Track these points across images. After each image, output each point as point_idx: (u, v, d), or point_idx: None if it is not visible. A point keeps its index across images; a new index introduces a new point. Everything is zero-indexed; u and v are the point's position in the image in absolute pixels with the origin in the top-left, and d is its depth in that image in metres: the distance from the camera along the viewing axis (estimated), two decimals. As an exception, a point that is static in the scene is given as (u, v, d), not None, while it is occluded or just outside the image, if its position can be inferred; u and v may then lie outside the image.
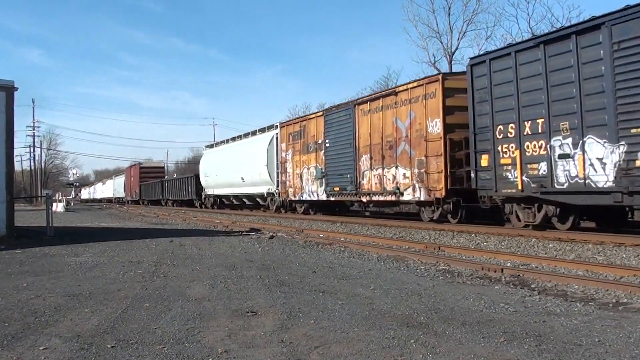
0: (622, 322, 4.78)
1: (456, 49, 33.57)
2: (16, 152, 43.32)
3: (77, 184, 79.16)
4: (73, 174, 72.84)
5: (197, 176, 37.79)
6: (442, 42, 33.89)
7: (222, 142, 35.78)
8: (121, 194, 68.61)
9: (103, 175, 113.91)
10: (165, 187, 48.39)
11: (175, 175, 67.31)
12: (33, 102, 71.53)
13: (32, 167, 75.13)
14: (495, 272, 7.60)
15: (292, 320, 4.93)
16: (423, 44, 34.66)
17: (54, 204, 30.60)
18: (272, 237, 13.56)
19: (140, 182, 56.91)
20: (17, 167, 72.04)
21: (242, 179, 28.29)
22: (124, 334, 4.57)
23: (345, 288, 6.49)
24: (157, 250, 10.82)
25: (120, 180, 70.45)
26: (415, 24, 35.83)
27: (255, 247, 11.19)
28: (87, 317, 5.20)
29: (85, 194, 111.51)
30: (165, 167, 73.18)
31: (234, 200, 31.66)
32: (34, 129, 72.52)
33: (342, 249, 10.94)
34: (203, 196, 36.29)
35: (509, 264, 8.31)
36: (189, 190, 39.92)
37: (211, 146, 37.84)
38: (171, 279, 7.34)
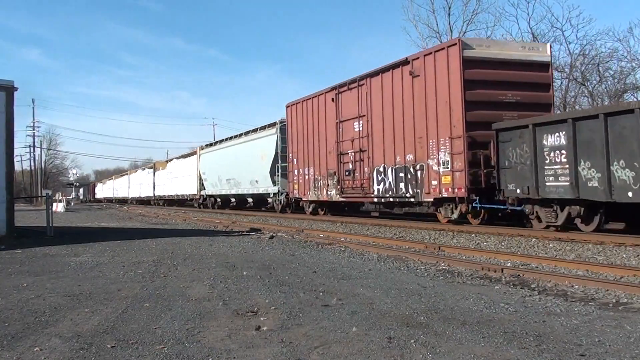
0: (622, 322, 4.78)
1: (459, 48, 33.22)
2: (16, 152, 41.70)
3: (77, 183, 77.55)
4: (73, 174, 72.83)
5: None
6: (441, 43, 33.93)
7: None
8: (233, 186, 29.52)
9: (103, 175, 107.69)
10: None
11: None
12: (33, 102, 71.44)
13: (32, 167, 75.14)
14: (495, 272, 7.60)
15: (292, 320, 4.93)
16: (423, 44, 34.20)
17: (54, 204, 30.60)
18: (272, 237, 13.56)
19: (469, 124, 13.31)
20: (17, 167, 71.49)
21: None
22: (124, 334, 4.57)
23: (345, 288, 6.49)
24: (157, 250, 10.82)
25: (224, 154, 30.87)
26: (415, 24, 35.35)
27: (255, 247, 11.19)
28: (87, 317, 5.20)
29: (104, 190, 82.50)
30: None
31: None
32: (34, 129, 72.46)
33: (342, 249, 10.94)
34: None
35: (509, 264, 8.30)
36: None
37: None
38: (171, 279, 7.34)
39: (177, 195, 42.06)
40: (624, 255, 8.68)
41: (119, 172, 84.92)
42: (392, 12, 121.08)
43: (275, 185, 24.22)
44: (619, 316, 5.05)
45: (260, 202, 29.89)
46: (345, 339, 4.33)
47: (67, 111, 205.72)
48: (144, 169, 57.82)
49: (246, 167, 27.21)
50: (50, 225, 15.21)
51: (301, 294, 6.11)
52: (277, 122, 24.06)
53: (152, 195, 50.68)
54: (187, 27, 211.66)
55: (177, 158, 44.58)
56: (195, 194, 36.98)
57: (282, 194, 23.70)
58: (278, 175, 23.64)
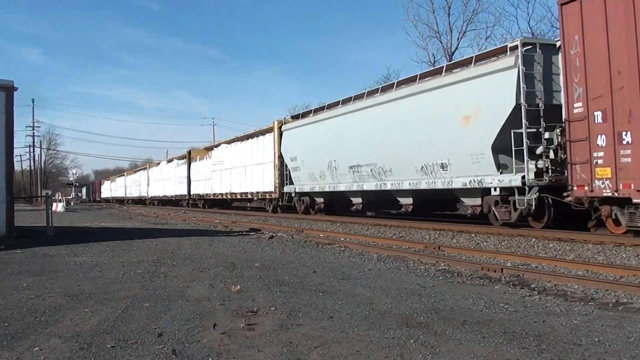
0: (622, 322, 4.78)
1: (456, 48, 33.34)
2: (16, 152, 41.91)
3: (77, 183, 77.35)
4: (73, 174, 72.75)
5: None
6: (441, 42, 33.96)
7: None
8: (367, 178, 17.44)
9: (103, 175, 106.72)
10: None
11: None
12: (33, 102, 71.48)
13: (32, 167, 75.16)
14: (495, 272, 7.60)
15: (292, 320, 4.93)
16: (423, 44, 34.28)
17: (54, 204, 30.60)
18: (272, 237, 13.56)
19: None
20: (17, 167, 71.39)
21: None
22: (124, 334, 4.57)
23: (345, 288, 6.49)
24: (157, 250, 10.82)
25: (341, 125, 18.51)
26: (415, 24, 35.29)
27: (255, 247, 11.19)
28: (87, 317, 5.20)
29: (112, 189, 75.30)
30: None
31: None
32: (33, 129, 72.53)
33: (342, 249, 10.94)
34: None
35: (509, 264, 8.30)
36: None
37: None
38: (171, 279, 7.33)
39: (232, 193, 29.33)
40: (624, 255, 8.68)
41: (119, 172, 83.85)
42: (392, 12, 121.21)
43: (509, 173, 12.67)
44: (619, 316, 5.05)
45: (435, 204, 17.53)
46: (345, 339, 4.33)
47: (67, 111, 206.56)
48: (171, 161, 45.20)
49: (412, 141, 15.31)
50: (50, 225, 15.21)
51: (301, 294, 6.11)
52: (518, 43, 12.31)
53: (185, 193, 38.49)
54: (187, 27, 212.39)
55: (228, 142, 31.24)
56: (271, 192, 24.55)
57: (530, 189, 12.10)
58: (522, 152, 12.08)
